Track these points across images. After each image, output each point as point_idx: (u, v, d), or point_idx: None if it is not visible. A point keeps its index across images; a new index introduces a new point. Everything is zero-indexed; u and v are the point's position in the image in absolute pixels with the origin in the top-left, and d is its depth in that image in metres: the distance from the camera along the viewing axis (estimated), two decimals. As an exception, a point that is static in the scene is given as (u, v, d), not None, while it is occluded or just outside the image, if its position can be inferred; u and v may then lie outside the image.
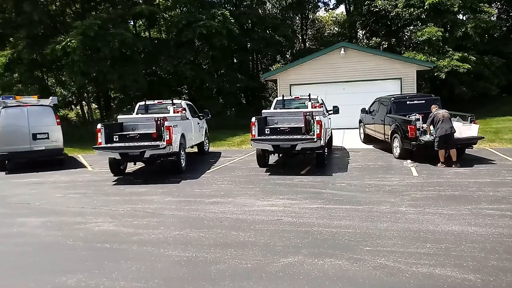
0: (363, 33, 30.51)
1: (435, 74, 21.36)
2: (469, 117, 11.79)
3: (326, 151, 11.80)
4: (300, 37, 33.56)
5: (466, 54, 21.92)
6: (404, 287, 4.08)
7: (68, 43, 19.83)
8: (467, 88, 22.55)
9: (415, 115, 11.84)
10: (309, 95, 13.24)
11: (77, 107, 32.46)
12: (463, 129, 11.51)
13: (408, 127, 11.32)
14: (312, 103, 12.82)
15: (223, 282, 4.35)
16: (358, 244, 5.34)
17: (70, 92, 31.95)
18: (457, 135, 11.03)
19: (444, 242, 5.31)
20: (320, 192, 8.48)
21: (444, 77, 21.36)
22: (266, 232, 6.00)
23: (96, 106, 31.27)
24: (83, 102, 30.34)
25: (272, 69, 29.38)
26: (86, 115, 30.08)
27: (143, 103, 13.28)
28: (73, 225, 6.72)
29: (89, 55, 21.88)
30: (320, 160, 11.25)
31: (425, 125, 11.36)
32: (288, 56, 31.67)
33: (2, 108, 12.87)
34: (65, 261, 5.24)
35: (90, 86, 26.93)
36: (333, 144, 15.13)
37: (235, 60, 29.26)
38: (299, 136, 10.72)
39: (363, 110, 15.79)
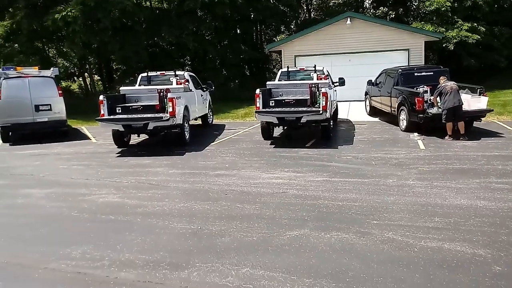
0: (369, 2, 29.67)
1: (443, 45, 20.85)
2: (478, 89, 11.53)
3: (331, 123, 11.64)
4: (305, 7, 32.76)
5: (475, 24, 21.34)
6: (412, 262, 4.02)
7: (68, 13, 19.40)
8: (475, 60, 22.06)
9: (423, 87, 11.60)
10: (315, 67, 12.97)
11: (80, 79, 32.16)
12: (472, 102, 11.27)
13: (416, 99, 11.10)
14: (317, 75, 12.56)
15: (228, 255, 4.30)
16: (365, 218, 5.27)
17: (72, 63, 31.60)
18: (465, 107, 10.80)
19: (452, 216, 5.23)
20: (326, 165, 8.38)
21: (452, 48, 20.85)
22: (271, 205, 5.93)
23: (99, 77, 30.96)
24: (85, 73, 30.03)
25: (276, 40, 28.76)
26: (89, 86, 29.82)
27: (145, 74, 13.07)
28: (77, 197, 6.69)
29: (89, 25, 21.44)
30: (326, 132, 11.10)
31: (432, 97, 11.14)
32: (292, 27, 30.97)
33: (3, 79, 12.70)
34: (70, 232, 5.21)
35: (92, 58, 26.57)
36: (338, 117, 14.93)
37: (238, 31, 28.66)
38: (304, 108, 10.54)
39: (370, 82, 15.50)
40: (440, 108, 10.84)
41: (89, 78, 30.06)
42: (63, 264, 4.24)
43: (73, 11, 19.39)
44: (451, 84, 10.75)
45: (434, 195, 6.16)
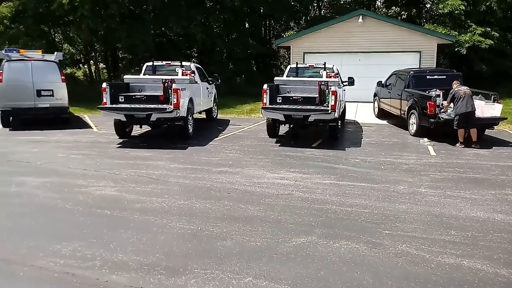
0: (381, 1, 29.17)
1: (456, 49, 20.43)
2: (492, 96, 11.16)
3: (339, 124, 11.30)
4: (315, 4, 32.30)
5: (489, 29, 20.90)
6: (430, 280, 3.70)
7: (76, -3, 19.07)
8: (487, 66, 21.62)
9: (436, 90, 11.25)
10: (324, 64, 12.61)
11: (85, 66, 31.85)
12: (486, 108, 10.92)
13: (427, 103, 10.73)
14: (327, 73, 12.20)
15: (229, 261, 3.99)
16: (376, 227, 4.95)
17: (78, 50, 31.27)
18: (478, 114, 10.46)
19: (469, 230, 4.91)
20: (333, 167, 8.06)
21: (464, 52, 20.43)
22: (276, 207, 5.62)
23: (104, 65, 30.64)
24: (91, 61, 29.71)
25: (284, 36, 28.39)
26: (94, 74, 29.51)
27: (150, 63, 12.74)
28: (74, 188, 6.39)
29: (97, 11, 21.10)
30: (333, 133, 10.78)
31: (445, 102, 10.79)
32: (302, 23, 30.54)
33: (6, 61, 12.39)
34: (62, 226, 4.91)
35: (98, 45, 26.25)
36: (345, 118, 14.59)
37: (247, 25, 28.27)
38: (312, 107, 10.20)
39: (379, 84, 15.15)
40: (452, 113, 10.50)
41: (94, 66, 29.73)
42: (51, 262, 3.94)
43: (81, -5, 19.05)
44: (465, 89, 10.40)
45: (448, 206, 5.84)
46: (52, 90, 12.66)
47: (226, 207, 5.57)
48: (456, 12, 20.75)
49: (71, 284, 3.57)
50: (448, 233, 4.81)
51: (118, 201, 5.79)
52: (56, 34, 29.15)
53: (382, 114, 15.09)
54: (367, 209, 5.62)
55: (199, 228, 4.79)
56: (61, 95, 12.80)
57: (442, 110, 10.67)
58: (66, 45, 30.89)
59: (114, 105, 10.05)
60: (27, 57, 12.75)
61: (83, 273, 3.73)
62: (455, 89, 10.48)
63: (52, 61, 12.99)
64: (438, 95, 10.97)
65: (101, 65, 31.03)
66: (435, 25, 21.94)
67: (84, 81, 29.04)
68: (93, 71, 29.84)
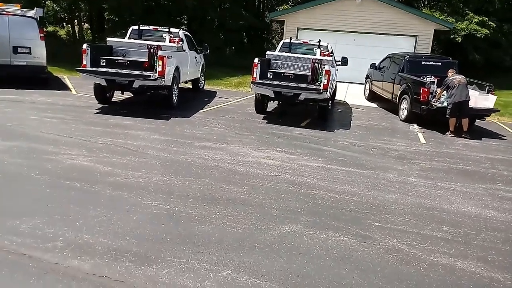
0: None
1: (451, 36, 20.09)
2: (486, 87, 10.94)
3: (329, 104, 10.94)
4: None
5: (486, 18, 20.55)
6: (423, 282, 3.42)
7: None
8: (481, 56, 21.40)
9: (430, 77, 10.97)
10: (319, 42, 12.12)
11: (68, 25, 30.46)
12: (479, 99, 10.71)
13: (421, 89, 10.42)
14: (321, 51, 11.73)
15: (207, 249, 3.63)
16: (365, 217, 4.66)
17: (61, 7, 29.79)
18: (471, 104, 10.23)
19: (462, 226, 4.66)
20: (321, 149, 7.74)
21: (460, 40, 20.11)
22: (260, 189, 5.27)
23: (88, 26, 29.34)
24: (75, 20, 28.37)
25: (279, 9, 27.52)
26: (77, 34, 28.25)
27: (136, 27, 12.03)
28: (43, 155, 5.89)
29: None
30: (323, 113, 10.43)
31: (439, 89, 10.51)
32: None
33: (-19, 13, 11.52)
34: (24, 199, 4.45)
35: (83, 4, 24.98)
36: (335, 98, 14.21)
37: (240, -5, 27.26)
38: (304, 85, 9.77)
39: (373, 66, 14.78)
40: (445, 101, 10.24)
41: (78, 26, 28.44)
42: (7, 240, 3.50)
43: None
44: (460, 77, 10.13)
45: (439, 198, 5.59)
46: (30, 48, 11.87)
47: (207, 186, 5.19)
48: (456, -2, 20.33)
49: (25, 268, 3.14)
50: (440, 229, 4.55)
51: (90, 172, 5.33)
52: (39, -11, 27.68)
53: (373, 96, 14.79)
54: (356, 197, 5.33)
55: (176, 209, 4.40)
56: (39, 54, 12.01)
57: (436, 97, 10.40)
58: (49, 1, 29.41)
59: (94, 68, 9.44)
60: (5, 11, 11.85)
61: (42, 256, 3.31)
62: (450, 77, 10.22)
63: (32, 17, 12.13)
64: (433, 82, 10.70)
65: (86, 25, 29.71)
66: (432, 10, 21.49)
67: (66, 41, 27.78)
68: (76, 31, 28.55)
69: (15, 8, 12.24)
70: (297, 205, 4.84)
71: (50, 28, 30.57)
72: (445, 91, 10.26)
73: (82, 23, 28.59)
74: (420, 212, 5.00)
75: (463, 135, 9.98)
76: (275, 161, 6.64)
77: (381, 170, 6.71)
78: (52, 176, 5.08)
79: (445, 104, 10.17)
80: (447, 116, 10.04)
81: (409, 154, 7.96)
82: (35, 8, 12.86)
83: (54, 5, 29.21)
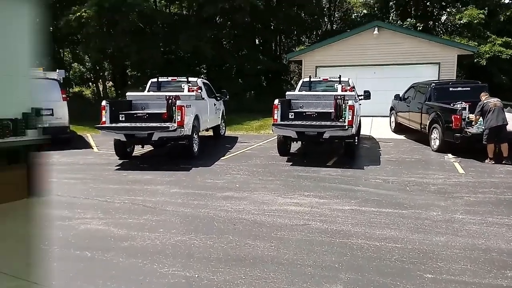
0: (395, 14, 28.36)
1: (475, 60, 19.49)
2: (524, 108, 10.24)
3: (356, 140, 10.44)
4: (327, 19, 31.67)
5: (510, 39, 19.95)
6: None
7: (83, 13, 18.73)
8: (507, 77, 20.60)
9: (461, 103, 10.37)
10: (339, 77, 11.82)
11: (93, 85, 31.58)
12: (517, 122, 9.98)
13: (453, 116, 9.83)
14: (342, 86, 11.40)
15: (232, 323, 3.11)
16: (414, 268, 4.03)
17: (87, 68, 31.02)
18: (509, 127, 9.53)
19: (530, 272, 3.97)
20: (353, 190, 7.17)
21: (484, 63, 19.47)
22: (290, 242, 4.73)
23: (112, 84, 30.29)
24: (100, 79, 29.41)
25: (295, 50, 27.71)
26: (101, 92, 29.15)
27: (155, 79, 12.07)
28: (56, 221, 5.54)
29: (105, 29, 20.75)
30: (350, 150, 9.93)
31: (472, 115, 9.89)
32: (313, 37, 29.90)
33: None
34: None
35: (106, 62, 25.90)
36: (361, 133, 13.70)
37: (257, 41, 27.71)
38: (328, 123, 9.36)
39: (397, 97, 14.29)
40: (480, 127, 9.60)
41: (102, 85, 29.42)
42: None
43: (87, 11, 18.71)
44: (495, 101, 9.52)
45: (494, 236, 4.90)
46: (52, 109, 12.03)
47: (230, 244, 4.69)
48: (475, 21, 19.89)
49: None
50: (505, 275, 3.87)
51: (104, 238, 4.92)
52: (65, 53, 28.97)
53: (399, 128, 14.20)
54: (399, 243, 4.71)
55: (196, 276, 3.88)
56: (61, 114, 12.17)
57: (473, 123, 9.77)
58: (76, 64, 30.68)
59: (113, 124, 9.34)
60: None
61: None
62: (484, 101, 9.62)
63: (53, 79, 12.42)
64: (464, 108, 10.10)
65: (110, 83, 30.70)
66: (452, 36, 21.08)
67: (91, 99, 28.63)
68: (101, 89, 29.51)
69: (38, 72, 12.56)
70: (333, 259, 4.26)
71: (76, 89, 31.76)
72: (480, 117, 9.65)
73: (106, 82, 29.54)
74: (477, 256, 4.33)
75: (503, 162, 9.25)
76: (304, 207, 6.12)
77: (422, 208, 6.07)
78: (62, 246, 4.67)
79: (480, 130, 9.52)
80: (484, 142, 9.38)
81: (450, 187, 7.28)
82: (57, 70, 13.20)
83: (81, 67, 30.51)
